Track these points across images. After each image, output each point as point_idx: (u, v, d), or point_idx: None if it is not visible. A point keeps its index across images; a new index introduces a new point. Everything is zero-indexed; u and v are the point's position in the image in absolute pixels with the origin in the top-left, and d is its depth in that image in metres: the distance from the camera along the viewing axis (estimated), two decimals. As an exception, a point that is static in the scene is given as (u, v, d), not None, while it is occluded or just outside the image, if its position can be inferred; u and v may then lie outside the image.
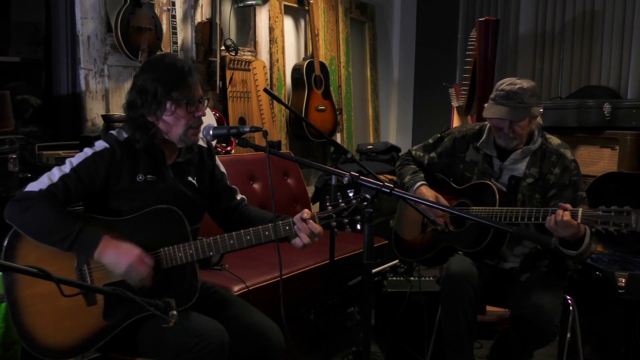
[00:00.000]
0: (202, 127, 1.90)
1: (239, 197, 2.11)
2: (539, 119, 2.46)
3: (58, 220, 1.71)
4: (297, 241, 1.85)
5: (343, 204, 1.82)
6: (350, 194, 1.82)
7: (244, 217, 2.06)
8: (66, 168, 1.78)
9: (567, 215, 2.08)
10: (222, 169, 2.10)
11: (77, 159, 1.80)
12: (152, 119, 1.84)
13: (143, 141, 1.84)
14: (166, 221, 1.83)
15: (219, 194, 2.07)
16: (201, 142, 2.04)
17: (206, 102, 1.90)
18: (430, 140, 2.72)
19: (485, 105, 2.47)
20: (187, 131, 1.86)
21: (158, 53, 3.24)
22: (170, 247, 1.80)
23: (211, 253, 1.84)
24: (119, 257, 1.71)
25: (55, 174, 1.76)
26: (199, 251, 1.82)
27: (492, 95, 2.44)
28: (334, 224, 1.83)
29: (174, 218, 1.83)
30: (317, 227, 1.82)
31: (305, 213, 1.84)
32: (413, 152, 2.76)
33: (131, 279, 1.74)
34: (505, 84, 2.41)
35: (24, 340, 1.72)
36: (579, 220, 2.09)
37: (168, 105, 1.82)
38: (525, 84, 2.38)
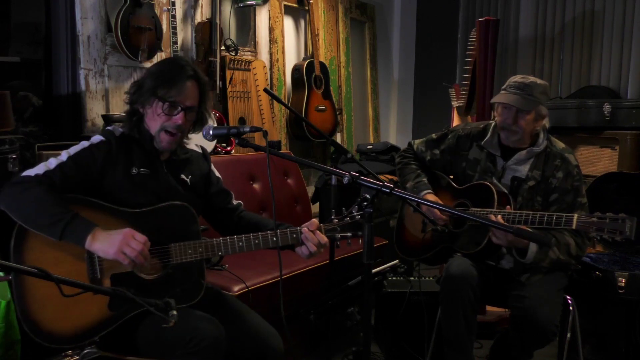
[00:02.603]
0: (203, 128, 1.91)
1: (235, 202, 2.13)
2: (546, 122, 2.46)
3: (51, 205, 1.69)
4: (303, 250, 1.90)
5: (348, 219, 1.88)
6: (354, 211, 1.88)
7: (243, 222, 2.07)
8: (63, 157, 1.79)
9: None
10: (217, 174, 2.13)
11: (74, 149, 1.82)
12: (140, 108, 1.89)
13: (129, 127, 1.88)
14: (179, 218, 1.85)
15: (214, 196, 2.08)
16: (195, 148, 2.07)
17: (193, 114, 1.89)
18: (434, 136, 2.71)
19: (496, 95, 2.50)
20: (160, 133, 1.87)
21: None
22: (181, 244, 1.82)
23: (220, 253, 1.87)
24: (109, 242, 1.68)
25: (52, 162, 1.78)
26: (209, 250, 1.85)
27: (503, 86, 2.47)
28: (339, 236, 1.90)
29: (186, 215, 1.86)
30: (324, 238, 1.88)
31: (313, 224, 1.88)
32: (415, 147, 2.75)
33: (126, 255, 1.68)
34: (518, 77, 2.44)
35: (26, 326, 1.72)
36: (573, 226, 2.13)
37: (152, 100, 1.84)
38: (538, 80, 2.42)
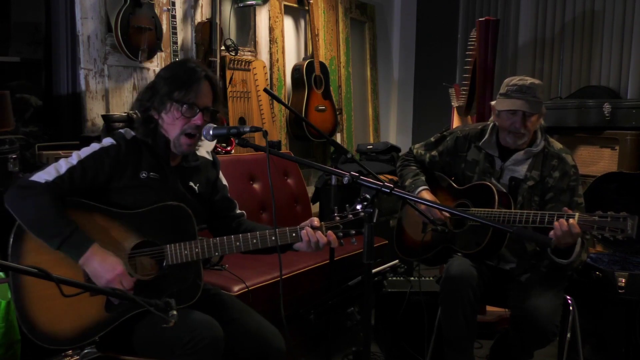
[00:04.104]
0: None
1: (238, 211, 2.13)
2: (541, 120, 2.47)
3: (54, 217, 1.70)
4: (300, 245, 1.89)
5: (351, 216, 1.85)
6: (358, 207, 1.84)
7: (241, 229, 2.06)
8: (73, 160, 1.79)
9: (566, 225, 2.09)
10: (225, 182, 2.13)
11: (84, 152, 1.82)
12: (155, 114, 1.87)
13: (144, 134, 1.87)
14: (175, 218, 1.84)
15: (218, 203, 2.08)
16: (206, 155, 2.07)
17: (209, 114, 1.88)
18: (432, 139, 2.73)
19: (493, 102, 2.48)
20: (181, 137, 1.86)
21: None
22: (176, 244, 1.82)
23: (217, 253, 1.86)
24: (101, 271, 1.71)
25: (62, 165, 1.78)
26: (205, 250, 1.84)
27: (502, 91, 2.44)
28: (341, 234, 1.87)
29: (182, 216, 1.85)
30: (323, 239, 1.86)
31: (315, 221, 1.87)
32: (415, 151, 2.77)
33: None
34: (515, 79, 2.43)
35: (24, 326, 1.73)
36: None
37: (168, 104, 1.84)
38: (535, 80, 2.41)
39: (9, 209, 1.73)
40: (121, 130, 1.91)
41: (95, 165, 1.80)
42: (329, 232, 1.86)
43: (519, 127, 2.38)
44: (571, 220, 2.09)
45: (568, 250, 2.19)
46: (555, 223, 2.11)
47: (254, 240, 1.86)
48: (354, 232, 1.86)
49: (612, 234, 2.05)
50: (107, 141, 1.86)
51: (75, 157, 1.80)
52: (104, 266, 1.71)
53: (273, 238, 1.86)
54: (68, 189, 1.76)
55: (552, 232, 2.11)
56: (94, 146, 1.84)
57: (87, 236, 1.73)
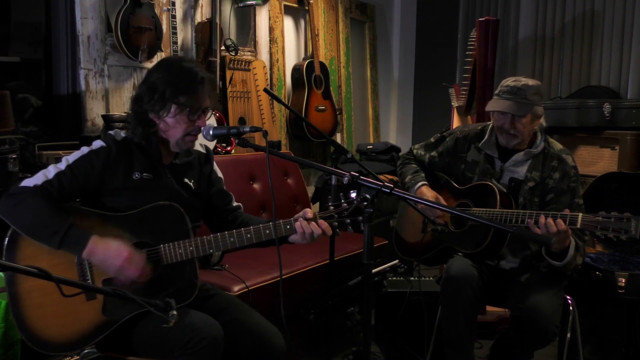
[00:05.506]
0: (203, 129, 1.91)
1: (234, 203, 2.11)
2: (542, 121, 2.46)
3: (49, 216, 1.71)
4: (294, 237, 1.87)
5: (345, 204, 1.83)
6: (353, 194, 1.81)
7: (237, 222, 2.05)
8: (62, 165, 1.79)
9: (553, 224, 2.10)
10: (220, 174, 2.11)
11: (73, 156, 1.82)
12: (154, 117, 1.86)
13: (141, 136, 1.86)
14: (167, 217, 1.83)
15: (213, 197, 2.06)
16: (199, 148, 2.06)
17: (209, 113, 1.90)
18: (432, 139, 2.73)
19: (490, 101, 2.48)
20: (185, 137, 1.87)
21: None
22: (170, 244, 1.81)
23: (211, 250, 1.85)
24: (108, 259, 1.71)
25: (50, 170, 1.78)
26: (199, 248, 1.83)
27: (496, 91, 2.46)
28: (336, 224, 1.84)
29: (175, 215, 1.84)
30: (317, 230, 1.83)
31: (309, 213, 1.85)
32: (414, 151, 2.77)
33: (122, 279, 1.74)
34: (510, 80, 2.43)
35: (23, 333, 1.73)
36: (578, 225, 2.11)
37: (172, 108, 1.83)
38: (530, 81, 2.40)
39: (3, 218, 1.73)
40: (111, 132, 1.90)
41: (85, 168, 1.79)
42: (321, 220, 1.83)
43: (508, 127, 2.38)
44: (558, 220, 2.10)
45: (562, 252, 2.20)
46: (537, 224, 2.12)
47: (248, 235, 1.84)
48: (349, 221, 1.83)
49: (615, 234, 2.05)
50: (97, 144, 1.85)
51: (64, 162, 1.80)
52: (110, 254, 1.71)
53: (267, 232, 1.84)
54: (58, 193, 1.76)
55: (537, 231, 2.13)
56: (84, 150, 1.83)
57: (84, 230, 1.73)
